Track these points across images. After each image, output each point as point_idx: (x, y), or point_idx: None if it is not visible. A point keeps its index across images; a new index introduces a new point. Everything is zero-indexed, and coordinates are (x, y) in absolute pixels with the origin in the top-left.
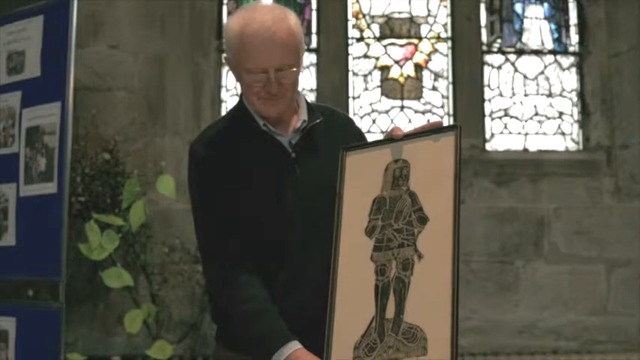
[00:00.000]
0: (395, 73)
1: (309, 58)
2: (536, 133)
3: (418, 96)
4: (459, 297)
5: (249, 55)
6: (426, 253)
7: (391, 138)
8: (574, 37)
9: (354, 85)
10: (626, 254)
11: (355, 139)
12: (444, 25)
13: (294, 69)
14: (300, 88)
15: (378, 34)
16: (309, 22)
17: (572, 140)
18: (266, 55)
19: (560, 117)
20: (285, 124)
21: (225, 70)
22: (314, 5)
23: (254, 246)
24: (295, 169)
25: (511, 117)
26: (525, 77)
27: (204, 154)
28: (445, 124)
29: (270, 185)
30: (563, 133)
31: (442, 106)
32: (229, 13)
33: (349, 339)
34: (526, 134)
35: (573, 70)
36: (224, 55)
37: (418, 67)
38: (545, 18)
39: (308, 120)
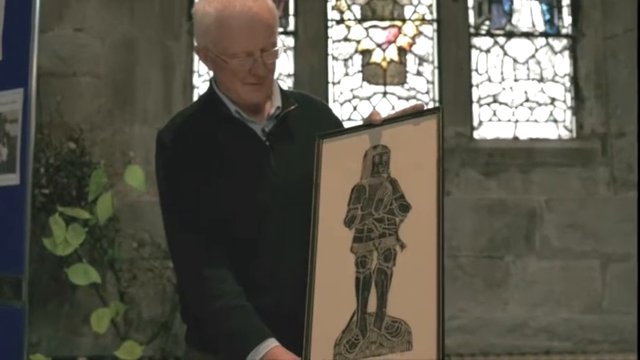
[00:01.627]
0: (377, 57)
1: (287, 42)
2: (527, 121)
3: (402, 81)
4: (444, 288)
5: (233, 38)
6: (409, 242)
7: (370, 123)
8: (567, 19)
9: (334, 70)
10: (622, 248)
11: (333, 127)
12: (429, 7)
13: (276, 48)
14: (276, 74)
15: (359, 16)
16: (287, 3)
17: (565, 128)
18: (251, 36)
19: (552, 103)
20: (258, 111)
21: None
22: None
23: (226, 240)
24: (269, 158)
25: (500, 103)
26: (515, 61)
27: (172, 142)
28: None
29: (243, 176)
30: (555, 121)
31: (427, 92)
32: None
33: (329, 335)
34: (516, 122)
35: (566, 53)
36: (195, 44)
37: (402, 51)
38: None
39: (282, 106)
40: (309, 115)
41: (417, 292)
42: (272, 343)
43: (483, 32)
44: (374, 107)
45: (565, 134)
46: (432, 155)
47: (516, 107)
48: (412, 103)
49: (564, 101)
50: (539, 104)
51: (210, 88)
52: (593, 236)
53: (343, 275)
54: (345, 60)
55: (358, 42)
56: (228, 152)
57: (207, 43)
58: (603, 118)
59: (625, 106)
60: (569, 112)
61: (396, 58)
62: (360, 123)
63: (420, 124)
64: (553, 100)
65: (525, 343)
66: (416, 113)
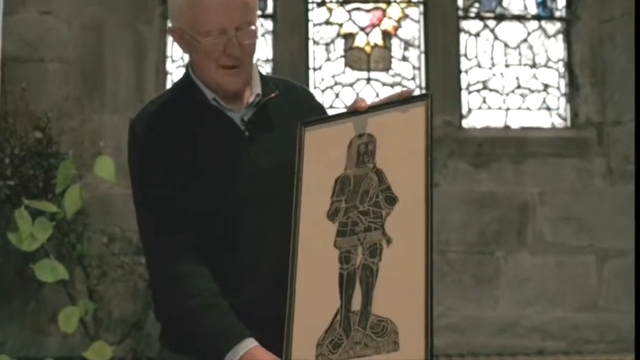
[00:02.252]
0: (360, 41)
1: (265, 25)
2: (519, 109)
3: (386, 67)
4: (433, 285)
5: (207, 15)
6: (396, 236)
7: (355, 110)
8: (561, 1)
9: (315, 55)
10: (619, 243)
11: (316, 114)
12: None
13: (253, 27)
14: (254, 59)
15: None
16: None
17: (559, 116)
18: (225, 12)
19: (545, 90)
20: (237, 99)
21: (171, 38)
22: None
23: (202, 235)
24: (248, 148)
25: (490, 90)
26: (506, 46)
27: (146, 131)
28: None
29: (220, 167)
30: (548, 109)
31: (413, 78)
32: None
33: (311, 335)
34: (507, 109)
35: (560, 37)
36: (169, 25)
37: (386, 35)
38: None
39: (262, 94)
40: (290, 102)
41: (404, 289)
42: (251, 343)
43: (472, 15)
44: (357, 94)
45: (559, 123)
46: (420, 145)
47: (507, 94)
48: (397, 89)
49: (558, 88)
50: (532, 91)
51: (186, 74)
52: (589, 230)
53: (326, 272)
54: (327, 44)
55: (340, 25)
56: (205, 142)
57: (181, 23)
58: (599, 105)
59: (622, 93)
60: (563, 100)
61: (380, 42)
62: (344, 111)
63: (407, 112)
64: (546, 86)
65: (517, 343)
66: (403, 100)
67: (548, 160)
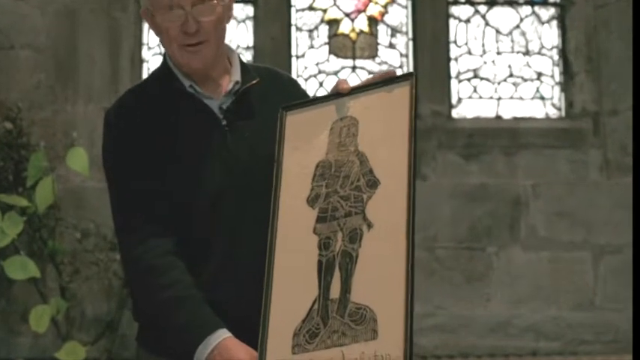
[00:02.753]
0: (345, 27)
1: (245, 11)
2: (511, 98)
3: (372, 54)
4: (414, 270)
5: None
6: (377, 221)
7: (337, 93)
8: None
9: (298, 41)
10: (616, 239)
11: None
12: None
13: (214, 1)
14: (234, 46)
15: None
16: None
17: (553, 106)
18: None
19: (538, 79)
20: (215, 86)
21: (147, 25)
22: None
23: (177, 227)
24: (226, 138)
25: (481, 79)
26: (498, 32)
27: (121, 121)
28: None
29: (197, 158)
30: (542, 98)
31: (401, 66)
32: None
33: (288, 325)
34: (499, 99)
35: (554, 23)
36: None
37: (372, 21)
38: None
39: (242, 81)
40: (273, 90)
41: (384, 275)
42: (223, 334)
43: (463, 0)
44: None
45: (553, 113)
46: (404, 126)
47: (499, 83)
48: None
49: (552, 76)
50: (525, 80)
51: (164, 62)
52: (585, 225)
53: (305, 259)
54: (310, 31)
55: (324, 11)
56: (181, 132)
57: (146, 2)
58: (595, 94)
59: (619, 82)
60: (557, 89)
61: (366, 28)
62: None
63: (391, 93)
64: (540, 75)
65: (509, 344)
66: (386, 81)
67: (541, 152)
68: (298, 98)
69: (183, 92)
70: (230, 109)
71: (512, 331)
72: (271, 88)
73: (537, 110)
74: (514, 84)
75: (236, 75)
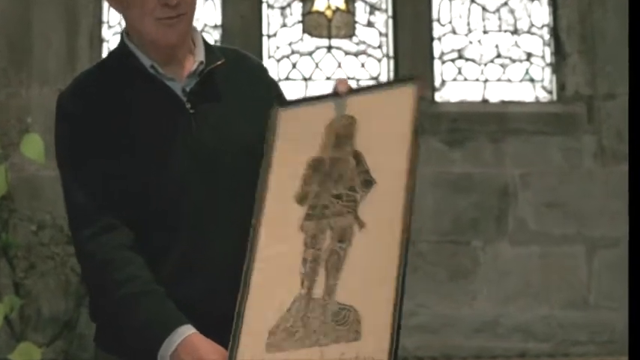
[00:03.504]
0: (320, 5)
1: None
2: (499, 80)
3: (350, 33)
4: (405, 273)
5: None
6: (369, 221)
7: (335, 93)
8: None
9: (269, 20)
10: (611, 232)
11: (267, 91)
12: None
13: None
14: (200, 25)
15: None
16: None
17: (544, 89)
18: None
19: (528, 59)
20: (178, 67)
21: (106, 2)
22: None
23: (136, 218)
24: (190, 122)
25: (467, 60)
26: (484, 10)
27: (76, 105)
28: (385, 69)
29: (158, 143)
30: (532, 80)
31: (380, 47)
32: None
33: (265, 322)
34: (485, 81)
35: (545, 0)
36: None
37: None
38: None
39: (206, 62)
40: (239, 73)
41: (373, 277)
42: (188, 330)
43: None
44: (316, 64)
45: (544, 96)
46: (405, 128)
47: (485, 64)
48: (362, 59)
49: (542, 57)
50: (513, 61)
51: (121, 42)
52: (578, 217)
53: (289, 255)
54: (282, 8)
55: None
56: (142, 115)
57: None
58: (589, 77)
59: (614, 63)
60: (548, 70)
61: (342, 5)
62: (301, 83)
63: (392, 95)
64: (529, 55)
65: (496, 345)
66: (387, 83)
67: (531, 138)
68: (267, 85)
69: (144, 73)
70: (194, 91)
71: (500, 331)
72: (238, 70)
73: (527, 93)
74: (502, 65)
75: (200, 55)
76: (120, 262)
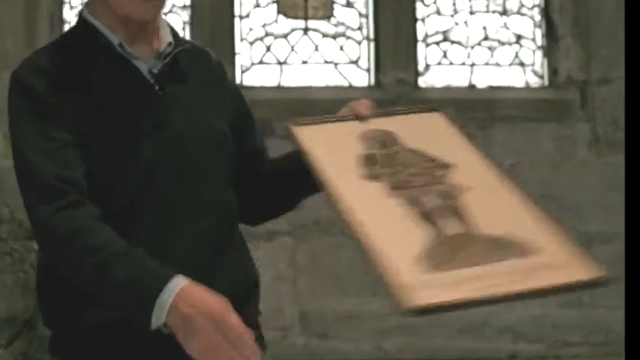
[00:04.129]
0: None
1: None
2: (486, 64)
3: (327, 14)
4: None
5: None
6: (471, 184)
7: (354, 116)
8: None
9: (242, 0)
10: (607, 226)
11: (231, 90)
12: None
13: None
14: (168, 5)
15: None
16: None
17: (535, 73)
18: None
19: (517, 42)
20: (144, 46)
21: None
22: None
23: (99, 201)
24: (157, 105)
25: (452, 42)
26: None
27: (34, 78)
28: (365, 52)
29: (124, 125)
30: (522, 64)
31: (360, 28)
32: None
33: (405, 257)
34: (472, 65)
35: None
36: None
37: None
38: None
39: (174, 43)
40: (202, 64)
41: (506, 208)
42: (182, 280)
43: None
44: (292, 48)
45: (534, 81)
46: (457, 138)
47: (472, 47)
48: (341, 41)
49: (533, 40)
50: (502, 43)
51: (83, 19)
52: (571, 210)
53: (394, 217)
54: None
55: None
56: (106, 94)
57: None
58: (583, 61)
59: (610, 46)
60: (539, 54)
61: None
62: (275, 68)
63: (420, 117)
64: (519, 38)
65: (484, 346)
66: (410, 109)
67: (521, 126)
68: (227, 83)
69: (110, 50)
70: (162, 72)
71: (488, 332)
72: (200, 61)
73: (516, 78)
74: (490, 48)
75: (167, 36)
76: (92, 229)
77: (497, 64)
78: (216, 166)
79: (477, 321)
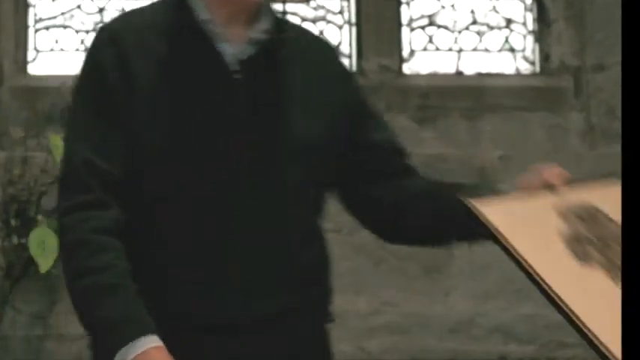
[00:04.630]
0: None
1: None
2: (475, 50)
3: None
4: None
5: None
6: None
7: (544, 185)
8: None
9: None
10: None
11: (340, 81)
12: None
13: None
14: None
15: None
16: None
17: (526, 59)
18: None
19: (507, 26)
20: (238, 29)
21: None
22: None
23: (134, 200)
24: (234, 94)
25: (439, 27)
26: None
27: (107, 59)
28: (346, 37)
29: (187, 115)
30: (512, 50)
31: (341, 12)
32: None
33: None
34: (459, 51)
35: None
36: None
37: None
38: None
39: (272, 31)
40: (310, 54)
41: None
42: (151, 342)
43: None
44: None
45: (525, 68)
46: None
47: (460, 32)
48: (321, 26)
49: (524, 24)
50: (491, 28)
51: None
52: None
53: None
54: None
55: None
56: (175, 80)
57: None
58: (576, 46)
59: (605, 31)
60: (530, 39)
61: None
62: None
63: (604, 190)
64: (509, 22)
65: (473, 347)
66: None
67: (511, 116)
68: (339, 76)
69: (194, 27)
70: (250, 60)
71: (477, 332)
72: (308, 51)
73: (506, 65)
74: (478, 33)
75: (265, 22)
76: (95, 245)
77: (486, 50)
78: (291, 179)
79: (465, 321)
